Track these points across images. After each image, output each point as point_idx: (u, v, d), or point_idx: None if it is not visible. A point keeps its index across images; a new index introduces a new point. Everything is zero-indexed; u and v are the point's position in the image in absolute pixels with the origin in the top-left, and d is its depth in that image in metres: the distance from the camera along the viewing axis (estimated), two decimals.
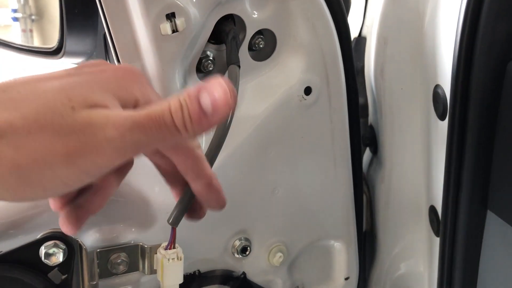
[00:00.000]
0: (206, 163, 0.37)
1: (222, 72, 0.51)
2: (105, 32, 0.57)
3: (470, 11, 0.51)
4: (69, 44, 0.56)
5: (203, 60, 0.49)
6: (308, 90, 0.54)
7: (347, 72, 0.58)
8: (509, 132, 0.55)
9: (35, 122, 0.26)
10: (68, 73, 0.31)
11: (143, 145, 0.28)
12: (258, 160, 0.54)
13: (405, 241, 0.77)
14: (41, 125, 0.26)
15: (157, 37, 0.43)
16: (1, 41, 0.68)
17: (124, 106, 0.30)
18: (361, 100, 0.69)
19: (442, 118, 0.63)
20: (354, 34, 0.71)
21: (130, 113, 0.28)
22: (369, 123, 0.76)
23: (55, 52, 0.58)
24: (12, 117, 0.26)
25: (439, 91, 0.62)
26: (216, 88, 0.29)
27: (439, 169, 0.67)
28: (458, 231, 0.66)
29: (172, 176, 0.39)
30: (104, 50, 0.58)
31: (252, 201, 0.55)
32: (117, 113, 0.28)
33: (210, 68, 0.50)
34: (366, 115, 0.76)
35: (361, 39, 0.71)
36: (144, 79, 0.33)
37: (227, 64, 0.47)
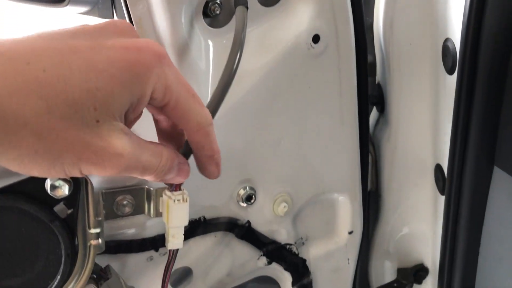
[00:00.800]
0: (214, 140, 0.38)
1: (229, 16, 0.50)
2: None
3: None
4: None
5: (210, 4, 0.49)
6: (316, 38, 0.54)
7: (356, 24, 0.57)
8: None
9: (61, 120, 0.28)
10: (93, 45, 0.30)
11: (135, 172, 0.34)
12: (264, 110, 0.54)
13: (410, 200, 0.76)
14: (65, 125, 0.28)
15: None
16: None
17: (137, 104, 0.32)
18: (369, 58, 0.68)
19: (450, 72, 0.62)
20: None
21: (136, 154, 0.32)
22: (376, 82, 0.75)
23: (60, 0, 0.57)
24: (38, 107, 0.27)
25: (449, 44, 0.61)
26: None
27: (446, 126, 0.66)
28: (464, 188, 0.65)
29: (170, 135, 0.40)
30: None
31: (257, 151, 0.55)
32: (129, 148, 0.32)
33: (217, 12, 0.49)
34: (374, 73, 0.75)
35: None
36: (166, 60, 0.33)
37: (234, 6, 0.46)
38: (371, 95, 0.74)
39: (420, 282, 0.80)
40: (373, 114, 0.78)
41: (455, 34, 0.59)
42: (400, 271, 0.82)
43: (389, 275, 0.83)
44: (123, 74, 0.30)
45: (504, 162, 0.60)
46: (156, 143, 0.36)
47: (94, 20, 0.62)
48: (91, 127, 0.29)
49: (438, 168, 0.71)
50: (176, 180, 0.39)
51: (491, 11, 0.54)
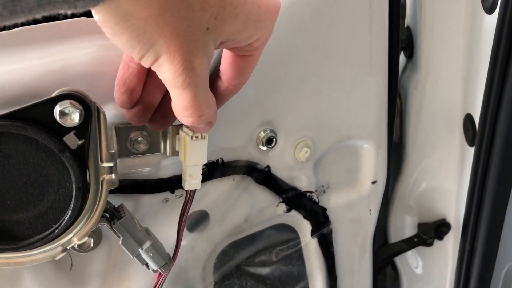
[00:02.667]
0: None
1: None
2: None
3: None
4: None
5: None
6: None
7: None
8: None
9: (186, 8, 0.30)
10: None
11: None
12: (288, 45, 0.50)
13: (436, 152, 0.73)
14: (185, 14, 0.30)
15: None
16: None
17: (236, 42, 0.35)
18: None
19: (490, 11, 0.57)
20: None
21: (202, 81, 0.34)
22: (405, 25, 0.70)
23: None
24: None
25: None
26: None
27: (481, 73, 0.62)
28: (496, 138, 0.62)
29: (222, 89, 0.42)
30: None
31: (280, 91, 0.51)
32: (202, 79, 0.34)
33: None
34: (403, 15, 0.70)
35: None
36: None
37: None
38: (399, 40, 0.69)
39: (441, 238, 0.78)
40: (401, 60, 0.73)
41: None
42: (421, 226, 0.80)
43: (409, 230, 0.81)
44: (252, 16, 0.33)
45: None
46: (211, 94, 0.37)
47: None
48: (200, 28, 0.31)
49: (468, 118, 0.66)
50: (199, 130, 0.41)
51: None
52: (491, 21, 0.57)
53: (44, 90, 0.39)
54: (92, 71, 0.42)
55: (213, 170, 0.51)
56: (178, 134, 0.44)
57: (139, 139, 0.44)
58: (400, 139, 0.75)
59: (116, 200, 0.46)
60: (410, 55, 0.70)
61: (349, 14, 0.52)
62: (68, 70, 0.41)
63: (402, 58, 0.72)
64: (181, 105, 0.34)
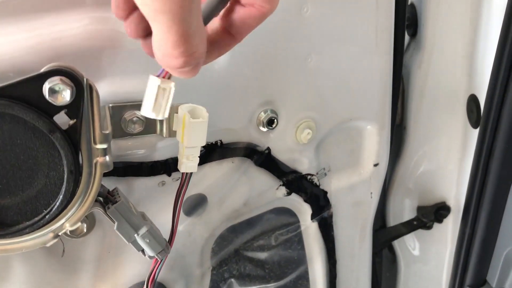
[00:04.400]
0: None
1: None
2: None
3: None
4: None
5: None
6: None
7: None
8: None
9: None
10: None
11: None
12: (290, 18, 0.47)
13: (438, 134, 0.71)
14: None
15: None
16: None
17: None
18: None
19: None
20: None
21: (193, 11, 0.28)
22: (409, 2, 0.68)
23: None
24: None
25: None
26: None
27: (488, 51, 0.60)
28: (502, 120, 0.60)
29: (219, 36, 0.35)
30: None
31: (281, 68, 0.49)
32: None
33: None
34: None
35: None
36: None
37: None
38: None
39: (441, 221, 0.76)
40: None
41: None
42: (420, 209, 0.79)
43: (408, 213, 0.79)
44: None
45: None
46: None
47: None
48: None
49: (472, 99, 0.65)
50: (186, 75, 0.31)
51: None
52: (501, 1, 0.55)
53: (32, 66, 0.37)
54: (84, 45, 0.39)
55: (211, 152, 0.49)
56: (177, 113, 0.42)
57: (134, 119, 0.42)
58: (402, 121, 0.73)
59: (110, 184, 0.43)
60: (414, 33, 0.68)
61: None
62: (58, 44, 0.38)
63: (405, 36, 0.70)
64: (170, 40, 0.28)
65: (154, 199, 0.48)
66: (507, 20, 0.54)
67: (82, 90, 0.34)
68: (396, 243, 0.82)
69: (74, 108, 0.34)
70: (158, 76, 0.31)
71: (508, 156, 0.62)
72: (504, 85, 0.57)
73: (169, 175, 0.47)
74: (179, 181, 0.48)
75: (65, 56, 0.38)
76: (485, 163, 0.64)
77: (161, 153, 0.46)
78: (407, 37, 0.69)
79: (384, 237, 0.75)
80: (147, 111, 0.31)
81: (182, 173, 0.43)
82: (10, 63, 0.37)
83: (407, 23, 0.68)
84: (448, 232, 0.76)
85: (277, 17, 0.46)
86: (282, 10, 0.46)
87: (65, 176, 0.34)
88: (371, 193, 0.62)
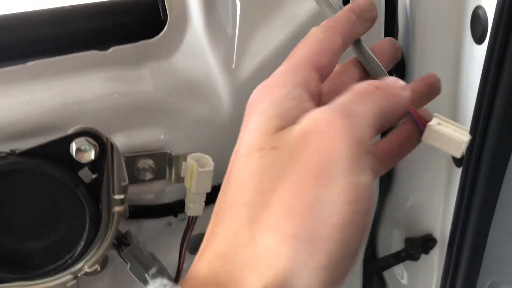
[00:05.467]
0: None
1: None
2: None
3: None
4: None
5: None
6: None
7: None
8: None
9: None
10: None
11: None
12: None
13: (424, 172, 0.76)
14: None
15: None
16: None
17: None
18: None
19: (479, 42, 0.60)
20: None
21: None
22: None
23: None
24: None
25: (480, 12, 0.58)
26: None
27: (470, 97, 0.64)
28: (482, 161, 0.64)
29: None
30: None
31: None
32: None
33: None
34: (395, 38, 0.73)
35: None
36: None
37: None
38: None
39: (427, 252, 0.80)
40: None
41: (488, 2, 0.57)
42: (408, 241, 0.83)
43: (397, 244, 0.83)
44: None
45: None
46: None
47: None
48: None
49: None
50: None
51: None
52: (481, 50, 0.60)
53: (57, 122, 0.41)
54: (104, 102, 0.43)
55: (216, 194, 0.52)
56: (185, 161, 0.46)
57: (146, 167, 0.45)
58: None
59: (122, 225, 0.47)
60: (402, 77, 0.73)
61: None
62: (80, 102, 0.42)
63: None
64: None
65: (161, 238, 0.51)
66: (485, 72, 0.59)
67: (105, 148, 0.38)
68: (385, 272, 0.86)
69: (97, 164, 0.38)
70: None
71: (488, 194, 0.66)
72: (484, 129, 0.62)
73: (175, 216, 0.51)
74: (184, 221, 0.52)
75: (87, 113, 0.42)
76: (468, 199, 0.69)
77: (168, 197, 0.49)
78: None
79: (374, 268, 0.79)
80: None
81: (189, 217, 0.47)
82: (37, 120, 0.41)
83: (395, 67, 0.73)
84: (434, 262, 0.80)
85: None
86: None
87: (87, 225, 0.38)
88: None
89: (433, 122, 0.31)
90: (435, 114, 0.32)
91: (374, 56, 0.32)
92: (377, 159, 0.30)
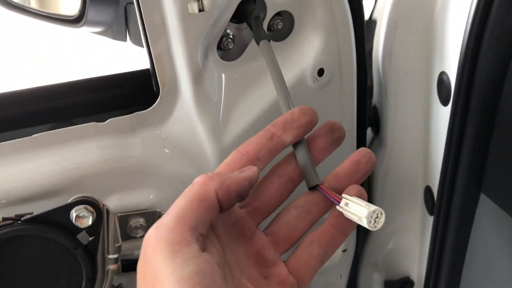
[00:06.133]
0: None
1: (241, 49, 0.53)
2: (127, 3, 0.59)
3: (481, 2, 0.53)
4: (90, 14, 0.58)
5: (224, 38, 0.51)
6: (321, 72, 0.57)
7: (358, 54, 0.61)
8: (508, 122, 0.58)
9: None
10: None
11: None
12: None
13: (400, 218, 0.80)
14: None
15: (184, 16, 0.45)
16: (19, 5, 0.68)
17: None
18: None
19: (445, 104, 0.65)
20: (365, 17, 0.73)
21: None
22: (372, 104, 0.79)
23: (76, 21, 0.59)
24: None
25: (444, 78, 0.64)
26: None
27: (438, 152, 0.70)
28: (452, 211, 0.69)
29: None
30: (124, 21, 0.60)
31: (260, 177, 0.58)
32: None
33: (230, 47, 0.52)
34: (370, 96, 0.78)
35: (371, 22, 0.73)
36: None
37: (257, 41, 0.48)
38: (367, 117, 0.78)
39: None
40: (369, 133, 0.81)
41: (451, 68, 0.63)
42: (387, 283, 0.87)
43: (376, 286, 0.87)
44: None
45: (490, 191, 0.64)
46: None
47: (107, 40, 0.64)
48: None
49: (428, 190, 0.74)
50: None
51: (486, 50, 0.57)
52: (446, 111, 0.65)
53: (59, 186, 0.45)
54: (100, 167, 0.48)
55: None
56: None
57: (137, 225, 0.50)
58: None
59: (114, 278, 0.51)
60: (377, 131, 0.78)
61: (323, 107, 0.59)
62: (79, 168, 0.47)
63: (370, 133, 0.80)
64: None
65: None
66: (450, 130, 0.64)
67: (101, 214, 0.42)
68: None
69: (94, 228, 0.42)
70: None
71: (459, 241, 0.71)
72: (452, 180, 0.67)
73: None
74: None
75: (84, 178, 0.47)
76: (440, 244, 0.73)
77: None
78: (372, 134, 0.80)
79: None
80: None
81: None
82: (40, 186, 0.45)
83: (371, 122, 0.78)
84: None
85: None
86: (260, 125, 0.56)
87: (84, 283, 0.42)
88: (341, 275, 0.70)
89: (342, 203, 0.37)
90: (343, 195, 0.37)
91: (307, 156, 0.39)
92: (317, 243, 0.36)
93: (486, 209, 0.66)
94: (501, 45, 0.55)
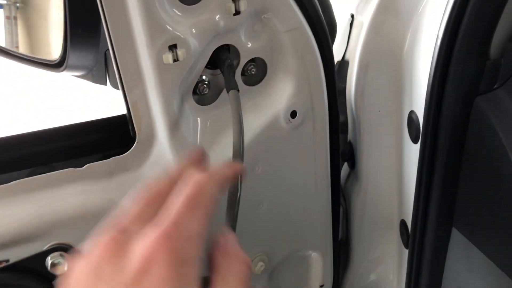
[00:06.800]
0: None
1: (216, 94, 0.55)
2: (106, 50, 0.61)
3: (443, 49, 0.56)
4: (71, 59, 0.60)
5: (199, 84, 0.53)
6: (294, 114, 0.59)
7: (329, 96, 0.63)
8: (474, 159, 0.61)
9: None
10: None
11: None
12: (246, 177, 0.58)
13: (377, 251, 0.82)
14: None
15: (160, 66, 0.47)
16: (2, 49, 0.70)
17: None
18: (341, 118, 0.74)
19: (415, 141, 0.68)
20: (338, 57, 0.76)
21: None
22: (348, 139, 0.81)
23: (57, 65, 0.61)
24: None
25: (413, 116, 0.67)
26: None
27: (411, 187, 0.72)
28: (425, 244, 0.71)
29: None
30: (104, 66, 0.62)
31: (239, 214, 0.59)
32: None
33: (206, 92, 0.54)
34: (345, 131, 0.81)
35: (344, 63, 0.76)
36: None
37: (227, 90, 0.50)
38: (343, 152, 0.80)
39: None
40: (345, 168, 0.84)
41: (419, 108, 0.65)
42: None
43: None
44: None
45: (461, 225, 0.66)
46: None
47: (88, 84, 0.66)
48: None
49: (402, 223, 0.76)
50: None
51: (450, 92, 0.60)
52: (416, 148, 0.68)
53: (35, 231, 0.46)
54: (76, 211, 0.49)
55: None
56: None
57: None
58: (347, 238, 0.84)
59: None
60: (352, 166, 0.80)
61: (296, 147, 0.61)
62: (55, 212, 0.48)
63: (346, 167, 0.82)
64: None
65: None
66: (420, 166, 0.67)
67: None
68: None
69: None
70: None
71: (433, 274, 0.73)
72: (424, 217, 0.69)
73: None
74: None
75: (60, 222, 0.48)
76: (416, 277, 0.75)
77: None
78: (348, 169, 0.82)
79: None
80: None
81: None
82: (16, 231, 0.46)
83: (346, 157, 0.81)
84: None
85: None
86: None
87: None
88: None
89: None
90: None
91: None
92: None
93: (458, 243, 0.68)
94: (464, 87, 0.58)
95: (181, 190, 0.33)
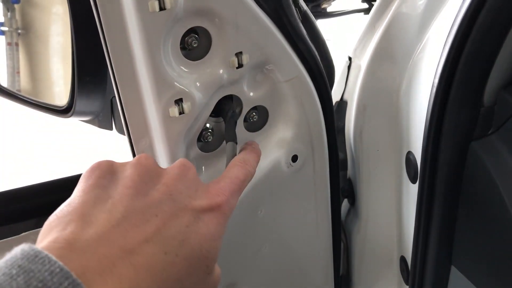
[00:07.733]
0: None
1: (220, 140, 0.57)
2: (112, 97, 0.63)
3: (439, 97, 0.58)
4: (78, 105, 0.62)
5: (203, 132, 0.55)
6: (295, 158, 0.61)
7: (329, 137, 0.65)
8: (470, 201, 0.62)
9: None
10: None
11: None
12: (249, 220, 0.60)
13: (378, 286, 0.83)
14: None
15: (166, 119, 0.49)
16: (10, 92, 0.72)
17: None
18: (341, 155, 0.76)
19: (413, 181, 0.70)
20: (336, 97, 0.78)
21: None
22: (348, 176, 0.83)
23: (65, 111, 0.63)
24: None
25: (411, 157, 0.69)
26: None
27: (410, 225, 0.73)
28: (425, 282, 0.72)
29: None
30: (110, 112, 0.64)
31: (242, 257, 0.61)
32: None
33: (209, 139, 0.55)
34: (345, 168, 0.83)
35: (343, 103, 0.78)
36: None
37: (226, 141, 0.52)
38: (343, 189, 0.81)
39: None
40: (345, 204, 0.85)
41: (417, 149, 0.67)
42: None
43: None
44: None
45: (460, 264, 0.67)
46: None
47: (94, 129, 0.68)
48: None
49: (402, 260, 0.78)
50: None
51: (446, 136, 0.62)
52: (415, 188, 0.69)
53: None
54: None
55: None
56: None
57: None
58: (348, 273, 0.85)
59: None
60: (352, 202, 0.82)
61: (297, 190, 0.63)
62: None
63: (346, 203, 0.84)
64: None
65: None
66: (419, 205, 0.68)
67: None
68: None
69: None
70: None
71: None
72: (423, 255, 0.71)
73: None
74: None
75: None
76: None
77: None
78: (348, 205, 0.83)
79: None
80: None
81: None
82: None
83: (346, 194, 0.82)
84: None
85: (238, 218, 0.59)
86: (241, 210, 0.59)
87: None
88: None
89: None
90: None
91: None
92: None
93: (458, 282, 0.69)
94: (459, 133, 0.60)
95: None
